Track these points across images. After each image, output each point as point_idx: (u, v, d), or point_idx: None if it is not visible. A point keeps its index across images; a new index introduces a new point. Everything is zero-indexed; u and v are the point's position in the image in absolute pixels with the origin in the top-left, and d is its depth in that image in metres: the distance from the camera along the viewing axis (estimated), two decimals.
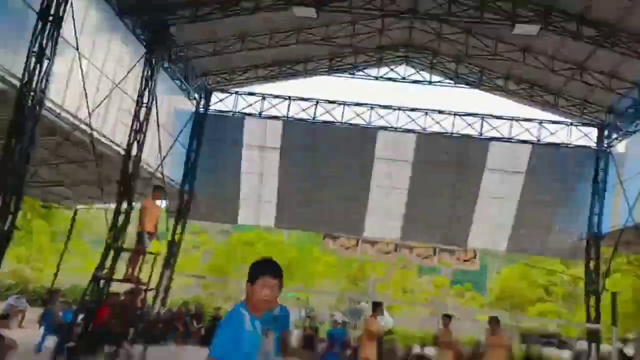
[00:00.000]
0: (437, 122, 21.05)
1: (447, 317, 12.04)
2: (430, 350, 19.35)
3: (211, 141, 21.26)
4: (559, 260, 29.59)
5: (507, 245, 22.13)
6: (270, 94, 21.55)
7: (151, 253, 12.04)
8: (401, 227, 21.97)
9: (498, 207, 21.49)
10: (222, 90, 21.70)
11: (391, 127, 21.05)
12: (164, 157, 17.50)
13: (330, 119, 21.20)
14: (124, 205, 14.88)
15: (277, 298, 6.54)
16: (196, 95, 21.08)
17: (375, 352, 10.43)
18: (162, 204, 18.82)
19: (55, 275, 21.91)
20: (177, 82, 19.34)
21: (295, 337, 19.94)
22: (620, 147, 19.83)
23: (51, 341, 12.40)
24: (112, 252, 13.81)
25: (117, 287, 13.47)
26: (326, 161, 21.08)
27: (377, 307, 10.90)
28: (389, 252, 22.82)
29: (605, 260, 19.59)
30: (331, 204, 21.49)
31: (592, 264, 20.22)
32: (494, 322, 11.13)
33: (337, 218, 21.81)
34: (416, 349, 19.67)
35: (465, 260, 22.44)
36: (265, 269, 3.50)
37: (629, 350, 17.07)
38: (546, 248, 21.76)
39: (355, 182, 21.35)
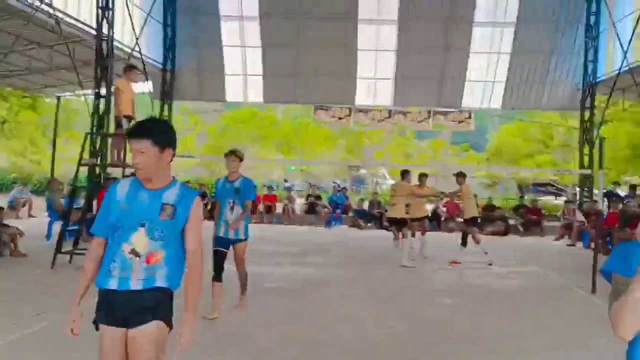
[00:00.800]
0: None
1: (424, 176, 11.99)
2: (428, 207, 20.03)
3: (187, 14, 20.28)
4: (557, 112, 29.39)
5: (502, 103, 21.78)
6: None
7: None
8: (393, 91, 21.54)
9: (490, 62, 20.91)
10: None
11: None
12: (139, 35, 16.70)
13: None
14: (103, 89, 14.44)
15: (233, 170, 6.48)
16: None
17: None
18: (141, 84, 18.43)
19: (52, 164, 22.17)
20: None
21: (299, 205, 20.57)
22: None
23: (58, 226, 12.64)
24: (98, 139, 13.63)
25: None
26: (308, 28, 20.24)
27: (405, 174, 11.63)
28: (382, 119, 22.57)
29: (602, 110, 19.32)
30: (319, 73, 20.94)
31: (587, 113, 20.01)
32: (460, 176, 11.76)
33: (327, 88, 21.33)
34: None
35: (460, 122, 22.24)
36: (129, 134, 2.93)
37: (620, 192, 17.44)
38: (541, 101, 21.39)
39: (340, 48, 20.59)
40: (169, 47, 20.40)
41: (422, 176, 12.16)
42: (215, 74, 21.11)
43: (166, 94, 20.62)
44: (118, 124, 11.09)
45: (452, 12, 19.97)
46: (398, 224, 11.63)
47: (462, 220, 12.78)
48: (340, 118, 22.25)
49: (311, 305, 7.35)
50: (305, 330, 6.08)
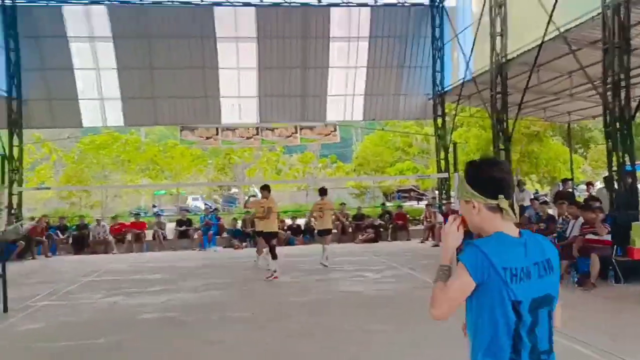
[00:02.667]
0: None
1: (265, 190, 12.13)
2: (301, 221, 20.33)
3: (31, 37, 18.93)
4: (414, 121, 31.17)
5: (363, 114, 22.69)
6: None
7: None
8: (257, 109, 21.62)
9: (348, 77, 21.72)
10: None
11: (227, 2, 19.85)
12: None
13: None
14: None
15: None
16: None
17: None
18: None
19: None
20: None
21: (170, 230, 19.85)
22: (451, 1, 20.38)
23: None
24: None
25: None
26: (166, 47, 19.83)
27: (263, 189, 12.18)
28: (250, 136, 22.56)
29: (452, 117, 20.80)
30: (182, 93, 20.53)
31: (439, 121, 21.44)
32: (320, 190, 13.44)
33: (191, 108, 20.97)
34: (288, 221, 20.36)
35: (326, 135, 22.85)
36: None
37: None
38: (398, 111, 22.61)
39: (201, 67, 20.34)
40: (14, 72, 18.87)
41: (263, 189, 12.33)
42: (68, 99, 19.89)
43: (14, 123, 19.01)
44: None
45: (308, 28, 20.51)
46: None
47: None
48: (207, 137, 21.93)
49: (192, 331, 7.04)
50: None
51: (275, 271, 11.18)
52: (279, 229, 13.53)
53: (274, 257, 11.35)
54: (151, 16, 19.53)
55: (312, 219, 17.00)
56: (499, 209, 2.11)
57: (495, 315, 2.00)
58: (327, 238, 13.25)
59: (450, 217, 2.22)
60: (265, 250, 12.15)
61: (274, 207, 11.74)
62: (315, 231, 14.24)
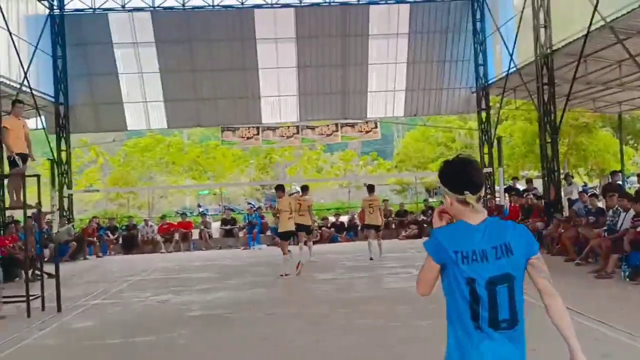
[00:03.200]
0: None
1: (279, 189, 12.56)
2: (344, 218, 20.39)
3: (77, 45, 19.55)
4: (456, 116, 30.79)
5: (404, 110, 22.53)
6: None
7: (30, 175, 11.07)
8: (297, 107, 21.74)
9: (389, 73, 21.58)
10: None
11: (267, 4, 20.03)
12: (27, 69, 15.87)
13: (201, 3, 19.88)
14: None
15: None
16: None
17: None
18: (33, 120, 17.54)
19: None
20: None
21: (215, 229, 20.19)
22: None
23: None
24: None
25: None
26: (207, 50, 20.23)
27: (304, 189, 13.77)
28: (291, 135, 22.71)
29: (496, 110, 20.44)
30: (223, 94, 20.86)
31: (483, 114, 21.10)
32: (369, 186, 14.14)
33: (232, 108, 21.26)
34: (331, 218, 20.49)
35: (367, 132, 22.79)
36: None
37: (520, 186, 18.50)
38: (440, 106, 22.35)
39: (241, 69, 20.61)
40: (61, 79, 19.49)
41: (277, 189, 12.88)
42: (112, 103, 20.46)
43: (61, 128, 19.65)
44: (11, 163, 10.43)
45: (347, 27, 20.50)
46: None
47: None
48: (248, 138, 22.17)
49: (240, 330, 7.13)
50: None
51: (290, 272, 11.34)
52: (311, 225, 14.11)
53: (284, 252, 11.60)
54: (193, 20, 19.94)
55: (360, 216, 16.99)
56: (466, 202, 2.36)
57: (454, 291, 2.37)
58: (378, 233, 13.73)
59: (435, 211, 2.54)
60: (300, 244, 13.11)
61: (281, 207, 11.90)
62: (361, 226, 14.94)
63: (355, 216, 20.28)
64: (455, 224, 2.46)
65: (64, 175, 19.50)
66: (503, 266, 2.38)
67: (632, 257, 9.23)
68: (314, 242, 15.65)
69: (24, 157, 10.41)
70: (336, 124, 22.46)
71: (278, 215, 12.21)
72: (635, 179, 19.13)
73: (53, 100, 19.23)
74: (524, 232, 2.47)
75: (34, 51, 17.12)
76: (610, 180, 15.52)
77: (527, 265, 2.48)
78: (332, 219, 20.49)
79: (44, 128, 18.21)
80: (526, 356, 2.53)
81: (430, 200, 26.59)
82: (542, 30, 15.02)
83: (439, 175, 2.49)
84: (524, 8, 15.78)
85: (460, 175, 2.40)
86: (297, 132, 22.58)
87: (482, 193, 2.42)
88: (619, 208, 10.35)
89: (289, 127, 22.59)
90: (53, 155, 18.70)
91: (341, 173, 36.67)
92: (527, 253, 2.44)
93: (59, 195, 18.45)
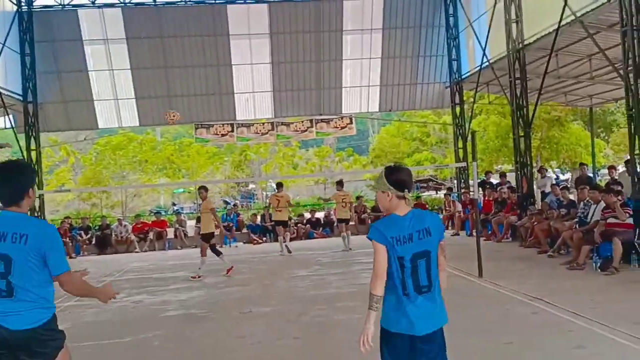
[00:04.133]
0: None
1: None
2: (320, 215, 20.44)
3: (46, 42, 19.18)
4: (430, 111, 30.96)
5: (378, 106, 22.57)
6: None
7: None
8: (272, 104, 21.63)
9: (363, 68, 21.60)
10: None
11: (240, 0, 19.86)
12: None
13: None
14: None
15: None
16: None
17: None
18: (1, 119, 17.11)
19: None
20: None
21: (190, 227, 19.98)
22: None
23: None
24: None
25: None
26: (179, 47, 20.01)
27: (279, 185, 15.02)
28: (266, 132, 22.60)
29: (470, 105, 20.60)
30: (195, 91, 20.63)
31: (457, 109, 21.26)
32: (339, 182, 15.25)
33: (205, 105, 21.05)
34: (307, 215, 20.48)
35: (342, 128, 22.77)
36: None
37: (493, 180, 18.65)
38: (415, 101, 22.45)
39: (215, 65, 20.43)
40: (29, 77, 19.08)
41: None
42: (83, 100, 20.14)
43: (30, 126, 19.24)
44: None
45: (321, 23, 20.44)
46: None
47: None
48: (222, 135, 22.00)
49: (216, 329, 7.05)
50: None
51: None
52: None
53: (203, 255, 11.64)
54: (165, 16, 19.71)
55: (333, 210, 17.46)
56: (404, 197, 3.20)
57: (390, 266, 3.15)
58: (348, 226, 14.86)
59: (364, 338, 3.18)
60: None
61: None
62: (335, 221, 15.91)
63: (332, 212, 20.26)
64: (389, 217, 3.24)
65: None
66: (423, 244, 3.17)
67: (602, 248, 9.40)
68: (291, 239, 16.49)
69: None
70: (311, 120, 22.42)
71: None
72: (606, 171, 19.45)
73: (21, 98, 18.82)
74: (438, 220, 3.38)
75: (1, 49, 16.70)
76: (580, 173, 15.78)
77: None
78: (307, 215, 20.45)
79: (12, 127, 17.79)
80: (445, 313, 3.26)
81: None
82: (513, 25, 15.18)
83: (386, 177, 3.24)
84: (495, 3, 15.91)
85: (402, 178, 3.22)
86: (272, 129, 22.49)
87: (411, 191, 3.28)
88: (589, 200, 10.52)
89: (263, 123, 22.48)
90: (22, 155, 18.28)
91: (316, 169, 36.64)
92: (440, 236, 3.28)
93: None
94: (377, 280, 3.14)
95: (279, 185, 15.51)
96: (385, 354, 3.23)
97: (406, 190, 3.19)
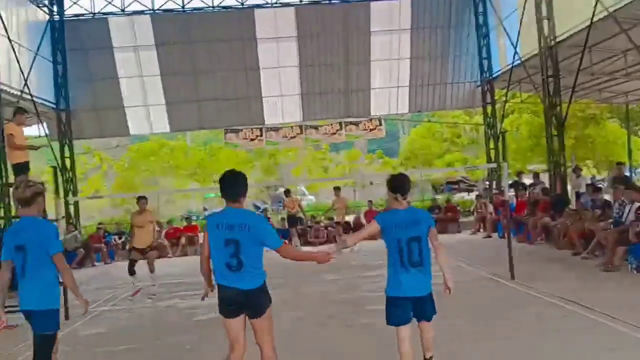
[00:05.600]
0: None
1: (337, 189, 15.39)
2: (350, 218, 20.32)
3: (77, 50, 19.50)
4: (462, 111, 30.58)
5: (408, 107, 22.41)
6: None
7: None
8: (300, 107, 21.66)
9: (392, 69, 21.47)
10: None
11: (267, 4, 19.96)
12: (28, 75, 15.85)
13: (201, 4, 19.82)
14: None
15: None
16: (46, 2, 18.85)
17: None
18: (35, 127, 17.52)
19: None
20: None
21: None
22: None
23: None
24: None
25: None
26: (208, 52, 20.14)
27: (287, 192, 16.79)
28: (294, 135, 22.62)
29: (502, 104, 20.29)
30: (224, 96, 20.76)
31: (489, 108, 20.95)
32: (335, 189, 16.72)
33: (234, 110, 21.16)
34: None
35: (371, 130, 22.67)
36: None
37: (526, 180, 18.28)
38: (445, 102, 22.21)
39: (243, 69, 20.54)
40: (61, 85, 19.47)
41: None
42: (114, 108, 20.47)
43: (64, 134, 19.66)
44: (19, 171, 10.38)
45: (349, 24, 20.40)
46: None
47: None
48: (252, 139, 22.11)
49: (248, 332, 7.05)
50: None
51: None
52: None
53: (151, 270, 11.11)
54: (193, 22, 19.87)
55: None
56: (396, 198, 4.51)
57: (390, 245, 4.45)
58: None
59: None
60: None
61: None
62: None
63: (362, 216, 20.16)
64: (390, 210, 4.59)
65: (69, 182, 19.48)
66: (415, 231, 4.41)
67: (638, 248, 9.11)
68: (321, 243, 17.74)
69: (27, 166, 10.39)
70: (340, 123, 22.37)
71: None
72: None
73: (54, 106, 19.22)
74: (427, 214, 4.85)
75: (34, 57, 17.10)
76: (617, 172, 15.37)
77: (428, 232, 4.44)
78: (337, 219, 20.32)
79: (46, 135, 18.18)
80: (431, 284, 4.44)
81: (437, 197, 26.36)
82: (545, 22, 14.90)
83: (387, 183, 4.60)
84: (526, 0, 15.63)
85: (393, 185, 4.55)
86: (301, 132, 22.49)
87: (407, 195, 4.56)
88: (624, 200, 10.23)
89: (292, 127, 22.52)
90: (57, 163, 18.65)
91: (346, 172, 36.50)
92: (428, 225, 4.47)
93: (65, 203, 18.43)
94: (361, 234, 4.90)
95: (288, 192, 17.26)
96: (391, 313, 4.43)
97: (399, 194, 4.49)
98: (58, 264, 4.32)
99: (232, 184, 4.37)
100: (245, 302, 4.27)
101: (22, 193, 4.40)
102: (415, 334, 4.53)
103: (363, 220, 19.58)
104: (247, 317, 4.37)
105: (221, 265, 4.25)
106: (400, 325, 4.38)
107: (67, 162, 19.69)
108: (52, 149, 18.38)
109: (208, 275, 4.58)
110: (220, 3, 19.86)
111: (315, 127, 22.60)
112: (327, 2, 20.18)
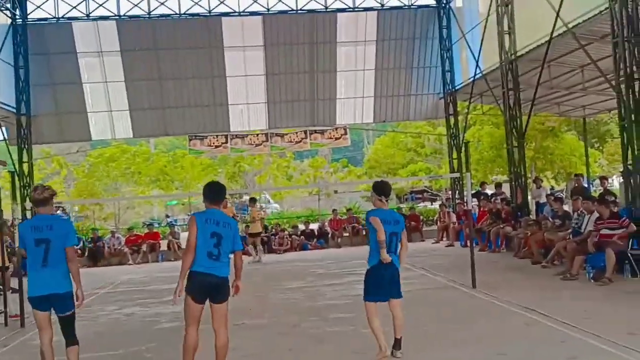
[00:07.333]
0: (281, 0, 20.23)
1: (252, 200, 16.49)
2: (314, 226, 20.36)
3: (40, 55, 19.18)
4: (425, 122, 31.00)
5: (373, 117, 22.64)
6: None
7: None
8: (266, 115, 21.66)
9: (357, 80, 21.68)
10: None
11: (234, 12, 19.95)
12: None
13: (168, 11, 19.69)
14: None
15: None
16: (8, 5, 18.43)
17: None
18: None
19: None
20: None
21: (184, 239, 19.85)
22: (457, 1, 20.34)
23: None
24: None
25: None
26: (173, 59, 20.07)
27: (252, 201, 16.78)
28: (260, 143, 22.60)
29: (464, 116, 20.67)
30: (190, 102, 20.65)
31: (452, 120, 21.33)
32: (250, 200, 17.44)
33: (200, 117, 21.05)
34: (301, 226, 20.41)
35: (336, 139, 22.82)
36: None
37: (489, 191, 18.63)
38: (409, 112, 22.54)
39: (209, 76, 20.46)
40: (23, 89, 19.04)
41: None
42: (76, 112, 20.13)
43: (23, 139, 19.18)
44: None
45: (315, 34, 20.54)
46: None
47: None
48: (216, 146, 22.00)
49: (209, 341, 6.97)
50: None
51: None
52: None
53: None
54: (159, 29, 19.76)
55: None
56: (380, 200, 5.62)
57: (374, 238, 5.47)
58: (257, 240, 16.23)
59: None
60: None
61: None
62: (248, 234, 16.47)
63: (326, 224, 20.24)
64: (379, 209, 5.61)
65: (26, 187, 18.99)
66: (396, 228, 5.56)
67: (595, 258, 9.38)
68: (285, 251, 17.95)
69: None
70: (305, 131, 22.46)
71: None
72: (599, 182, 19.47)
73: (14, 110, 18.77)
74: (401, 217, 5.87)
75: None
76: (575, 184, 15.81)
77: (402, 231, 5.62)
78: (301, 226, 20.39)
79: (5, 139, 17.72)
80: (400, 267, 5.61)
81: (401, 205, 26.66)
82: (506, 37, 15.29)
83: (372, 187, 5.79)
84: (488, 15, 16.03)
85: (380, 189, 5.67)
86: (266, 140, 22.49)
87: (389, 197, 5.75)
88: (583, 211, 10.53)
89: (257, 135, 22.48)
90: (14, 167, 18.16)
91: (311, 180, 36.56)
92: (403, 226, 5.68)
93: (21, 208, 17.91)
94: (382, 232, 5.41)
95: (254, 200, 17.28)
96: (370, 279, 5.63)
97: (383, 196, 5.64)
98: (70, 254, 5.04)
99: (218, 191, 5.30)
100: (218, 287, 5.02)
101: (41, 194, 5.08)
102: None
103: (328, 229, 19.67)
104: (211, 302, 5.09)
105: (203, 253, 4.95)
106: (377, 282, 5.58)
107: (25, 167, 19.20)
108: (10, 154, 17.91)
109: (187, 271, 5.02)
110: (187, 10, 19.76)
111: (281, 135, 22.63)
112: (294, 11, 20.30)
